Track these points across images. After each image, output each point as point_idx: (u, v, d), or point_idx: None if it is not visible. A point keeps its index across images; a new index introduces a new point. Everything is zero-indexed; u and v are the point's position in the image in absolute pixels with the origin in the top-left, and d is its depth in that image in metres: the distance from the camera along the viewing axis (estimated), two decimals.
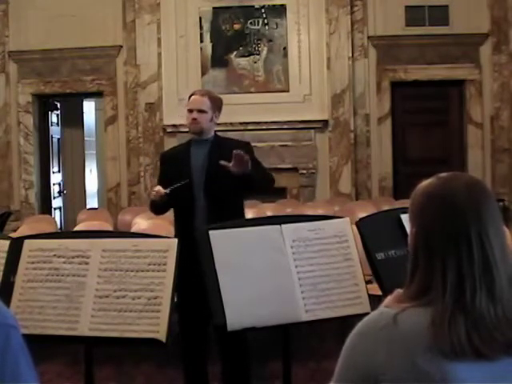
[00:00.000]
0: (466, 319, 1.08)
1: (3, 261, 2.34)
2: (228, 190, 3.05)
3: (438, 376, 1.06)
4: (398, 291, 1.28)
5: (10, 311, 1.15)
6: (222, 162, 2.93)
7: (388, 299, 1.29)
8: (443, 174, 1.20)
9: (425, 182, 1.20)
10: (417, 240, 1.17)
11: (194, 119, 3.14)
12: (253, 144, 3.35)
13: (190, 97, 3.23)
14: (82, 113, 9.11)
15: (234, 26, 7.41)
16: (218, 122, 3.25)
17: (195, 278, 2.51)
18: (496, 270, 1.10)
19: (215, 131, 3.24)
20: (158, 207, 3.20)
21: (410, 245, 1.20)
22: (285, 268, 2.37)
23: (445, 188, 1.16)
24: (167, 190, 3.03)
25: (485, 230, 1.12)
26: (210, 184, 3.07)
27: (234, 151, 2.90)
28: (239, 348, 3.06)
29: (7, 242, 2.38)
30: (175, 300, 2.30)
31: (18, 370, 1.09)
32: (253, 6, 7.38)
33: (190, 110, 3.16)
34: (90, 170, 9.37)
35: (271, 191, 3.35)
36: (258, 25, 7.40)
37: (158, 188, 3.06)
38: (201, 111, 3.14)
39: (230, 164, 2.92)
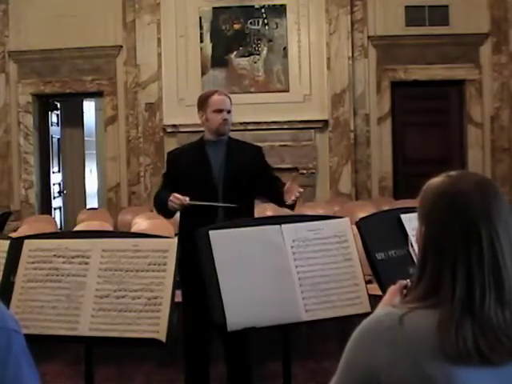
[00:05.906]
0: (473, 323, 1.05)
1: (3, 261, 2.34)
2: (244, 190, 3.04)
3: (443, 380, 1.04)
4: (401, 282, 1.27)
5: (12, 315, 1.14)
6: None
7: (390, 290, 1.28)
8: (453, 173, 1.17)
9: (434, 180, 1.17)
10: (426, 239, 1.14)
11: (226, 120, 3.07)
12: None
13: (207, 97, 3.11)
14: (82, 113, 9.11)
15: (234, 26, 7.39)
16: None
17: (200, 278, 2.50)
18: (505, 272, 1.08)
19: None
20: (171, 213, 3.09)
21: (418, 244, 1.18)
22: (285, 268, 2.37)
23: (455, 186, 1.13)
24: (191, 202, 2.92)
25: (495, 230, 1.09)
26: (230, 184, 3.03)
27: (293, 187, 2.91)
28: (242, 348, 3.05)
29: (7, 242, 2.39)
30: (179, 300, 2.29)
31: (20, 374, 1.08)
32: (253, 6, 7.37)
33: (219, 111, 3.06)
34: (90, 170, 9.36)
35: None
36: (258, 25, 7.39)
37: (183, 198, 2.93)
38: (229, 112, 3.09)
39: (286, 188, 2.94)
